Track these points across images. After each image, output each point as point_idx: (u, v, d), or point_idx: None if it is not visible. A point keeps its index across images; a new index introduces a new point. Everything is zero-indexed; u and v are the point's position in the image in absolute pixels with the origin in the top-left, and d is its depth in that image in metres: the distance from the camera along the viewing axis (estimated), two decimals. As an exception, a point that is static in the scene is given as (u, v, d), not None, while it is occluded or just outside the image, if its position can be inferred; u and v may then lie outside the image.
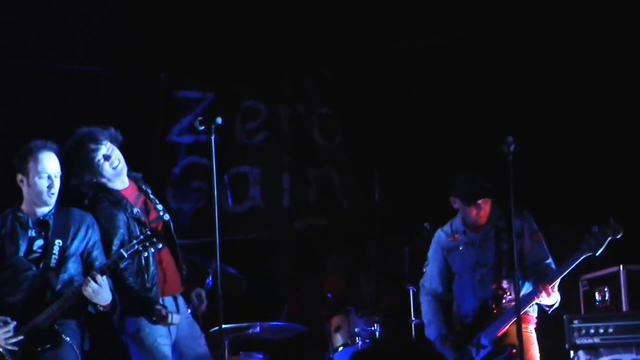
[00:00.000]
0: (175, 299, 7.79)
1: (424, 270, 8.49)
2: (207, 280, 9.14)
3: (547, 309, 7.90)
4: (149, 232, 7.61)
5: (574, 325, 8.05)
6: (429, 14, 10.66)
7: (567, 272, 7.82)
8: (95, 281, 7.20)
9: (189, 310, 8.03)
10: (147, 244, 7.56)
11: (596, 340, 7.87)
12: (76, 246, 7.59)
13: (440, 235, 8.43)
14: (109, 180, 7.78)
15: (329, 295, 10.47)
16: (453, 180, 8.25)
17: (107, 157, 7.76)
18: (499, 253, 8.06)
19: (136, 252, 7.53)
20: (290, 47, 11.05)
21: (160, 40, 10.55)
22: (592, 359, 7.85)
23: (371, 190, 11.22)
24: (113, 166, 7.73)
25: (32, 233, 7.59)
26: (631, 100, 10.07)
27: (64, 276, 7.47)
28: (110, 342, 8.60)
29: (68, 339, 7.42)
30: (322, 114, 11.55)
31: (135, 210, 7.77)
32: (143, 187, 8.01)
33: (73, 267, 7.55)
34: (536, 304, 7.92)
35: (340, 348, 9.53)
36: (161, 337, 7.68)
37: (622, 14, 10.08)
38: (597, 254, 7.71)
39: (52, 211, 7.58)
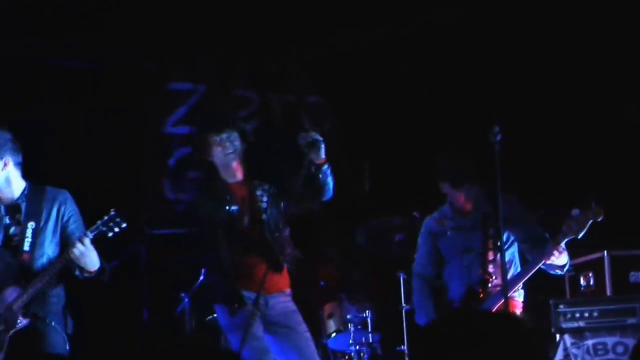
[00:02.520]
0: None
1: (415, 256, 8.51)
2: (202, 270, 9.38)
3: (559, 271, 7.87)
4: (112, 213, 7.58)
5: (559, 310, 7.94)
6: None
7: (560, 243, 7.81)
8: (83, 243, 7.23)
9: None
10: (111, 224, 7.56)
11: (581, 324, 7.80)
12: (52, 226, 7.62)
13: (429, 221, 8.42)
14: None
15: (322, 283, 10.52)
16: (441, 166, 8.28)
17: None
18: (486, 238, 8.06)
19: (100, 232, 7.51)
20: (279, 36, 11.12)
21: (152, 35, 10.67)
22: (578, 342, 7.74)
23: (361, 179, 11.27)
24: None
25: (6, 220, 7.58)
26: (612, 92, 10.05)
27: (41, 259, 7.53)
28: (91, 326, 8.87)
29: (53, 323, 7.47)
30: (313, 103, 11.66)
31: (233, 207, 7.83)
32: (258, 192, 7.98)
33: (50, 248, 7.59)
34: (545, 271, 7.87)
35: (333, 334, 9.70)
36: None
37: (601, 8, 10.03)
38: (579, 236, 7.70)
39: (25, 193, 7.56)
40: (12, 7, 10.04)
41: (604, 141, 10.11)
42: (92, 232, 7.51)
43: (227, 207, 7.85)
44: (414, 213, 8.97)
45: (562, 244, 7.80)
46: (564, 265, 7.81)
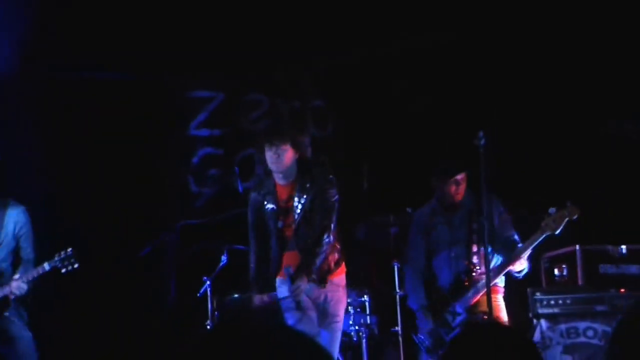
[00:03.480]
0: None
1: (406, 248, 8.63)
2: (222, 257, 9.27)
3: (517, 275, 8.04)
4: (69, 252, 7.88)
5: (536, 297, 8.09)
6: (411, 15, 10.60)
7: (530, 247, 7.98)
8: (25, 284, 7.77)
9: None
10: (66, 262, 7.87)
11: (556, 310, 7.94)
12: (10, 238, 8.01)
13: (420, 216, 8.55)
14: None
15: None
16: (438, 165, 8.39)
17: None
18: (470, 232, 8.21)
19: (56, 267, 7.86)
20: (288, 47, 10.96)
21: (176, 49, 10.60)
22: (552, 326, 7.88)
23: (360, 178, 10.98)
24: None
25: None
26: (586, 103, 10.03)
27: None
28: (129, 304, 9.47)
29: (15, 320, 7.95)
30: (317, 107, 11.51)
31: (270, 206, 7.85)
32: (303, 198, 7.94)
33: (7, 257, 7.99)
34: (506, 273, 8.07)
35: None
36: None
37: (583, 26, 10.04)
38: (556, 233, 7.85)
39: None
40: (56, 24, 10.06)
41: (580, 149, 10.08)
42: (49, 264, 7.86)
43: (266, 204, 7.85)
44: (407, 209, 8.92)
45: (525, 255, 8.02)
46: (521, 271, 8.02)
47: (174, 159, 10.66)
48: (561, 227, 7.84)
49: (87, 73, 10.49)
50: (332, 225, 7.89)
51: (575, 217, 7.81)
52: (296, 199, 7.84)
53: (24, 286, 7.86)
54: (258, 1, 10.59)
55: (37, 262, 8.05)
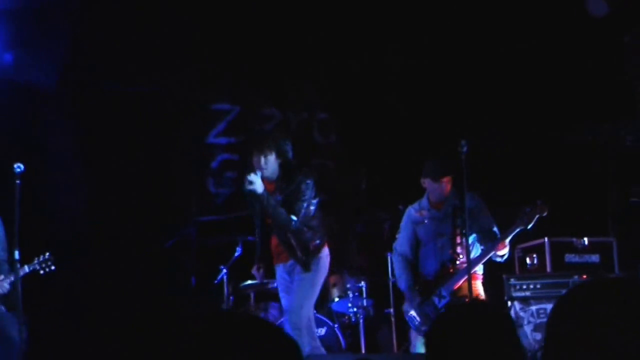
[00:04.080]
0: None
1: (397, 236, 8.56)
2: (237, 248, 9.23)
3: (500, 259, 7.99)
4: (47, 255, 7.78)
5: (510, 282, 8.09)
6: (399, 35, 10.58)
7: (507, 238, 7.92)
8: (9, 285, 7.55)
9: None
10: (44, 265, 7.73)
11: (527, 293, 7.93)
12: None
13: (410, 211, 8.47)
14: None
15: None
16: (426, 165, 8.32)
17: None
18: (455, 226, 8.13)
19: (35, 269, 7.72)
20: (298, 67, 11.00)
21: (199, 67, 10.64)
22: (525, 307, 7.87)
23: (359, 180, 11.23)
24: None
25: None
26: (557, 116, 10.05)
27: None
28: (154, 290, 9.26)
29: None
30: (321, 119, 11.53)
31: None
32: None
33: None
34: (487, 261, 8.00)
35: (336, 299, 9.73)
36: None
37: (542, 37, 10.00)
38: (528, 227, 7.86)
39: None
40: (91, 42, 10.04)
41: (549, 156, 10.11)
42: (29, 267, 7.71)
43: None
44: (399, 206, 8.81)
45: (507, 241, 7.97)
46: (503, 255, 7.99)
47: (196, 164, 10.68)
48: (533, 223, 7.83)
49: (119, 87, 10.40)
50: (302, 212, 7.86)
51: (544, 214, 7.81)
52: (277, 194, 7.88)
53: (6, 286, 7.69)
54: (271, 28, 10.45)
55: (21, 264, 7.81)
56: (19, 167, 7.49)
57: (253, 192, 7.77)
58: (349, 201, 11.16)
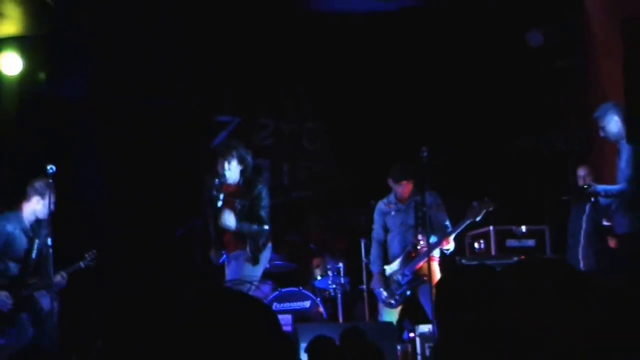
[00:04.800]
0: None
1: (373, 227, 8.59)
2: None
3: (447, 251, 8.10)
4: (93, 253, 7.78)
5: (462, 263, 8.14)
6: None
7: (458, 230, 8.09)
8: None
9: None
10: (92, 261, 7.77)
11: None
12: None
13: (380, 205, 8.58)
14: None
15: (312, 245, 10.50)
16: (390, 169, 8.40)
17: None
18: (416, 218, 8.18)
19: (88, 265, 7.78)
20: (289, 85, 11.00)
21: (205, 84, 10.56)
22: None
23: (339, 180, 11.22)
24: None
25: None
26: (504, 127, 10.05)
27: None
28: (166, 269, 8.99)
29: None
30: (308, 128, 11.51)
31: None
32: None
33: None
34: (440, 249, 8.08)
35: (319, 277, 9.77)
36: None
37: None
38: (477, 220, 8.03)
39: None
40: (116, 60, 9.91)
41: (496, 160, 10.16)
42: (84, 263, 7.80)
43: (215, 194, 8.01)
44: (371, 201, 8.82)
45: (452, 238, 8.05)
46: (449, 249, 8.11)
47: (202, 165, 9.72)
48: (481, 216, 7.97)
49: (138, 100, 10.27)
50: (267, 217, 7.96)
51: (491, 209, 7.94)
52: (237, 199, 7.95)
53: (64, 282, 7.70)
54: (266, 53, 10.25)
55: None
56: (51, 167, 7.57)
57: (228, 228, 7.88)
58: (332, 198, 11.21)
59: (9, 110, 9.61)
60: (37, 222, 7.73)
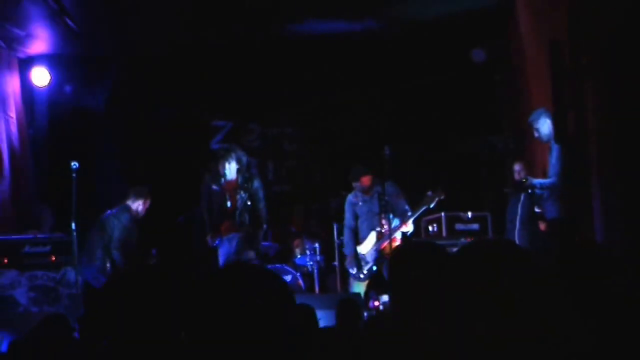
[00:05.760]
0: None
1: (345, 216, 8.65)
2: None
3: (406, 233, 8.18)
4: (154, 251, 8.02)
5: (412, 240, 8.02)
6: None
7: (416, 215, 8.18)
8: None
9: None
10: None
11: None
12: None
13: (350, 197, 8.66)
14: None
15: (293, 229, 10.66)
16: (349, 173, 8.48)
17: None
18: (380, 206, 8.20)
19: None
20: (273, 96, 10.69)
21: (204, 95, 10.50)
22: None
23: (315, 175, 11.27)
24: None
25: None
26: (453, 131, 10.03)
27: None
28: (172, 249, 8.78)
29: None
30: (288, 132, 11.51)
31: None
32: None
33: None
34: (401, 232, 8.16)
35: (298, 255, 9.89)
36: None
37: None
38: (431, 206, 8.13)
39: None
40: (130, 77, 9.90)
41: (447, 158, 10.05)
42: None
43: (215, 189, 8.04)
44: (342, 192, 8.83)
45: (410, 221, 8.14)
46: (408, 231, 8.23)
47: (202, 163, 9.57)
48: (434, 203, 8.08)
49: (149, 109, 10.33)
50: (265, 209, 8.05)
51: (442, 197, 8.05)
52: (237, 194, 7.95)
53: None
54: (253, 70, 10.07)
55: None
56: (75, 165, 7.66)
57: (216, 247, 8.00)
58: (310, 190, 11.24)
59: (40, 116, 9.82)
60: None
